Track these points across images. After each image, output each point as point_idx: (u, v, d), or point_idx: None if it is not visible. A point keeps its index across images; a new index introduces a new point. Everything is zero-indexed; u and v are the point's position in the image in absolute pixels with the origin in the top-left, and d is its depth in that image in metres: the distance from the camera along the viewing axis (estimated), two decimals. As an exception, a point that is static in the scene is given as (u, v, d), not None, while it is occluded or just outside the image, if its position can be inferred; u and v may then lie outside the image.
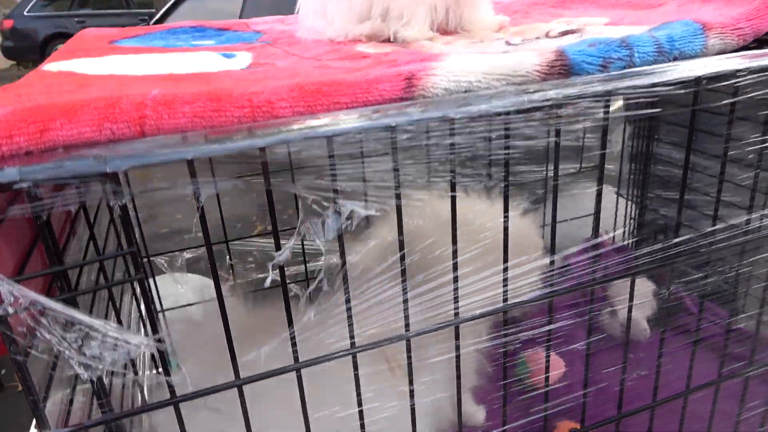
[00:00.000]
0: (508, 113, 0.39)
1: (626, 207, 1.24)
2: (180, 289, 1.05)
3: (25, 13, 10.15)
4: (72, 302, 0.32)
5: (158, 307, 0.95)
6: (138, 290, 0.63)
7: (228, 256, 0.97)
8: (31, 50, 10.25)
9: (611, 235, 1.26)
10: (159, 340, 0.34)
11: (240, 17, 3.83)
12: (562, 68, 0.44)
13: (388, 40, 0.65)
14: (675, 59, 0.49)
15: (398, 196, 0.38)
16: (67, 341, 0.29)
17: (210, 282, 1.38)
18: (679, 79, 0.44)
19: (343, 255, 0.37)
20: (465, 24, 0.68)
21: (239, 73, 0.49)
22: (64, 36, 10.31)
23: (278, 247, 0.36)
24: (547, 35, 0.59)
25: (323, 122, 0.34)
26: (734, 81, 0.46)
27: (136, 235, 0.64)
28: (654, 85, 0.43)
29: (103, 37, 0.81)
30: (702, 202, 0.89)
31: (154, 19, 4.34)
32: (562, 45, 0.47)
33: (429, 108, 0.37)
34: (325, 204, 0.36)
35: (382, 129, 0.36)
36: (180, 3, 4.29)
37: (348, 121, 0.35)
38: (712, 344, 0.80)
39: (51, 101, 0.33)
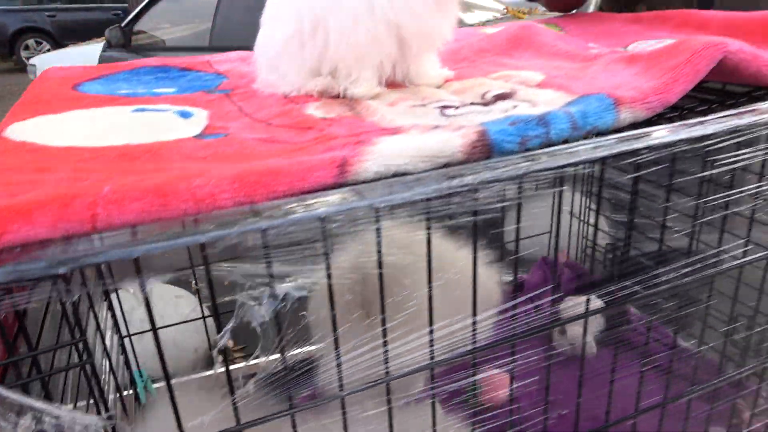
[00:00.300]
0: (428, 199, 0.44)
1: (579, 227, 1.31)
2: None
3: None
4: (25, 388, 0.36)
5: (125, 332, 0.98)
6: (107, 344, 0.67)
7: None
8: (0, 45, 10.05)
9: (565, 258, 1.32)
10: (110, 418, 0.38)
11: (214, 18, 3.81)
12: (483, 148, 0.49)
13: (338, 96, 0.69)
14: (588, 133, 0.54)
15: (329, 276, 0.43)
16: (21, 428, 0.33)
17: (182, 291, 1.41)
18: (585, 160, 0.49)
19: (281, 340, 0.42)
20: (412, 78, 0.73)
21: (191, 145, 0.52)
22: (33, 30, 10.12)
23: (219, 330, 0.40)
24: (483, 97, 0.64)
25: (257, 218, 0.39)
26: (635, 158, 0.51)
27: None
28: (562, 166, 0.48)
29: (66, 80, 0.84)
30: (649, 225, 0.95)
31: (127, 20, 4.30)
32: (487, 122, 0.52)
33: (356, 198, 0.42)
34: (262, 288, 0.40)
35: (313, 219, 0.41)
36: (154, 2, 4.25)
37: (281, 214, 0.40)
38: (658, 363, 0.86)
39: (9, 203, 0.37)
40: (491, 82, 0.70)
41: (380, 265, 0.47)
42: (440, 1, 0.65)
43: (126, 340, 0.95)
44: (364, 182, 0.46)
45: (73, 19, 10.03)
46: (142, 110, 0.68)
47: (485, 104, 0.61)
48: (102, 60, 4.36)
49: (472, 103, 0.62)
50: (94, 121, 0.62)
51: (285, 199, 0.42)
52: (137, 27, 4.23)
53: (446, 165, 0.49)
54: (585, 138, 0.54)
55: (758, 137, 0.58)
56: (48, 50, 9.87)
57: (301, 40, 0.67)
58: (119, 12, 9.42)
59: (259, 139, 0.54)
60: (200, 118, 0.63)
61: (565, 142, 0.53)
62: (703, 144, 0.55)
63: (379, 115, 0.59)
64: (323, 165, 0.44)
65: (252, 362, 0.59)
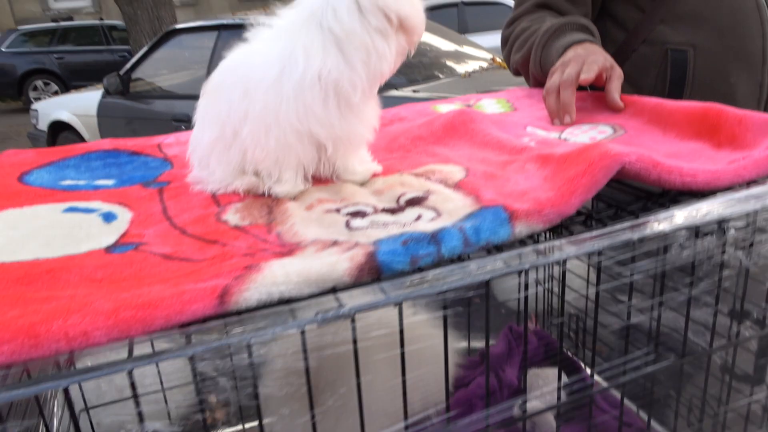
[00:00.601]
0: (303, 332, 0.46)
1: (545, 295, 1.31)
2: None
3: (2, 49, 10.22)
4: None
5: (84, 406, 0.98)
6: None
7: None
8: (9, 86, 10.30)
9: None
10: None
11: (209, 65, 3.86)
12: (372, 270, 0.51)
13: (263, 194, 0.71)
14: (482, 247, 0.56)
15: (203, 410, 0.44)
16: None
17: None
18: (468, 284, 0.50)
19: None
20: (339, 173, 0.75)
21: (94, 263, 0.54)
22: (42, 72, 10.39)
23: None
24: (397, 202, 0.66)
25: (121, 359, 0.40)
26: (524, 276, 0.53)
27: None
28: (443, 291, 0.49)
29: (16, 168, 0.87)
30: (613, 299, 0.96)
31: (125, 68, 4.41)
32: (382, 240, 0.54)
33: (231, 335, 0.43)
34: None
35: (183, 356, 0.42)
36: (153, 50, 4.36)
37: (148, 354, 0.41)
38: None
39: None
40: (412, 180, 0.72)
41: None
42: (346, 110, 0.67)
43: None
44: (246, 311, 0.48)
45: (81, 61, 10.29)
46: (72, 210, 0.70)
47: (394, 211, 0.64)
48: (101, 107, 4.46)
49: (384, 209, 0.64)
50: (18, 224, 0.65)
51: (162, 331, 0.44)
52: (135, 74, 4.34)
53: (334, 288, 0.51)
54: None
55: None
56: (56, 91, 10.10)
57: (225, 143, 0.70)
58: (125, 54, 9.65)
59: (163, 256, 0.56)
60: (122, 222, 0.66)
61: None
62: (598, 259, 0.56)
63: (290, 224, 0.62)
64: (203, 296, 0.46)
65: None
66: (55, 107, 4.89)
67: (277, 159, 0.69)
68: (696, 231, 0.60)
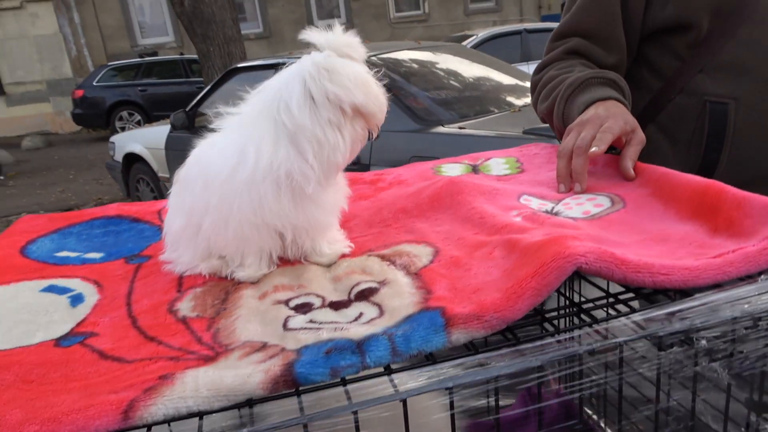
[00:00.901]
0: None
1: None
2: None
3: (94, 83, 11.04)
4: None
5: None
6: None
7: None
8: (98, 117, 11.11)
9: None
10: None
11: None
12: (287, 383, 0.50)
13: (226, 278, 0.72)
14: (413, 356, 0.53)
15: None
16: None
17: None
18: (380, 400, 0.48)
19: None
20: (307, 254, 0.75)
21: (38, 359, 0.56)
22: (127, 103, 11.13)
23: None
24: (348, 294, 0.65)
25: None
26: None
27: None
28: (356, 410, 0.47)
29: (26, 234, 0.92)
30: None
31: (191, 105, 4.63)
32: (304, 349, 0.53)
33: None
34: None
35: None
36: (217, 87, 4.56)
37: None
38: None
39: None
40: (375, 266, 0.71)
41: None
42: (302, 200, 0.67)
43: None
44: (153, 424, 0.48)
45: (162, 93, 10.95)
46: (50, 289, 0.74)
47: (339, 307, 0.62)
48: (169, 140, 4.70)
49: (331, 303, 0.63)
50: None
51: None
52: (200, 109, 4.55)
53: (249, 401, 0.50)
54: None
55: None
56: (138, 121, 10.79)
57: (191, 231, 0.71)
58: (201, 86, 10.19)
59: (100, 354, 0.57)
60: (86, 307, 0.68)
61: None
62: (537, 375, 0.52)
63: (233, 318, 0.62)
64: (107, 411, 0.46)
65: None
66: (129, 140, 5.20)
67: (237, 247, 0.69)
68: (659, 342, 0.55)
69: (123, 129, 8.69)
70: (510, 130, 2.86)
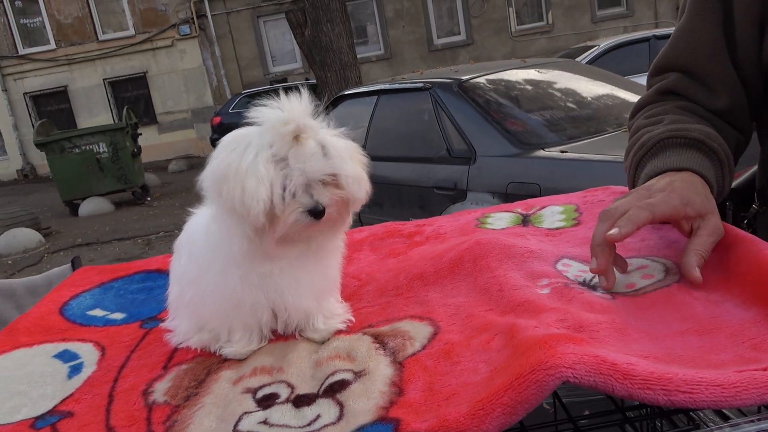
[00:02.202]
0: None
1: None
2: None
3: (229, 110, 11.97)
4: None
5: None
6: None
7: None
8: (233, 142, 11.99)
9: None
10: None
11: (369, 124, 3.95)
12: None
13: (214, 354, 0.70)
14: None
15: None
16: None
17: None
18: None
19: None
20: (302, 329, 0.70)
21: None
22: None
23: None
24: (321, 384, 0.59)
25: None
26: None
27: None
28: None
29: (74, 287, 0.97)
30: None
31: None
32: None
33: None
34: None
35: None
36: (327, 111, 4.70)
37: None
38: None
39: None
40: (362, 349, 0.64)
41: None
42: (263, 279, 0.63)
43: None
44: None
45: (288, 117, 11.57)
46: (60, 356, 0.76)
47: (301, 404, 0.57)
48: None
49: (296, 397, 0.58)
50: (5, 375, 0.71)
51: None
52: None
53: None
54: None
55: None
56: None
57: (184, 300, 0.70)
58: (324, 109, 10.62)
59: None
60: (78, 381, 0.69)
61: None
62: None
63: (194, 409, 0.59)
64: None
65: None
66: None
67: (222, 322, 0.67)
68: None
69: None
70: (619, 153, 2.62)
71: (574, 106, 3.43)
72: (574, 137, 3.05)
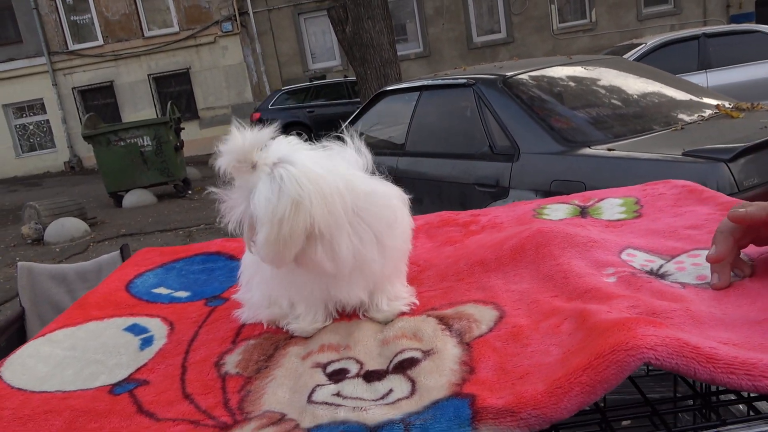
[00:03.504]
0: None
1: None
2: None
3: (269, 107, 12.13)
4: None
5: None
6: None
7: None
8: (272, 138, 12.15)
9: None
10: None
11: (410, 121, 3.96)
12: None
13: (282, 329, 0.71)
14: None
15: None
16: None
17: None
18: None
19: None
20: (366, 308, 0.71)
21: (87, 406, 0.60)
22: (296, 124, 12.04)
23: None
24: (390, 361, 0.60)
25: None
26: None
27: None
28: None
29: (137, 266, 1.00)
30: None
31: (346, 123, 4.84)
32: (317, 429, 0.49)
33: None
34: None
35: None
36: (370, 107, 4.70)
37: None
38: None
39: None
40: (428, 329, 0.65)
41: None
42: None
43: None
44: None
45: (326, 113, 11.66)
46: (131, 329, 0.79)
47: (373, 378, 0.58)
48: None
49: (366, 372, 0.59)
50: (77, 345, 0.74)
51: None
52: (353, 128, 4.74)
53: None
54: None
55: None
56: (306, 139, 11.59)
57: (257, 276, 0.72)
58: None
59: (138, 408, 0.59)
60: (150, 353, 0.71)
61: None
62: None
63: (267, 380, 0.60)
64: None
65: None
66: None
67: (290, 295, 0.68)
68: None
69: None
70: (667, 152, 2.56)
71: (620, 104, 3.36)
72: (621, 135, 2.99)
